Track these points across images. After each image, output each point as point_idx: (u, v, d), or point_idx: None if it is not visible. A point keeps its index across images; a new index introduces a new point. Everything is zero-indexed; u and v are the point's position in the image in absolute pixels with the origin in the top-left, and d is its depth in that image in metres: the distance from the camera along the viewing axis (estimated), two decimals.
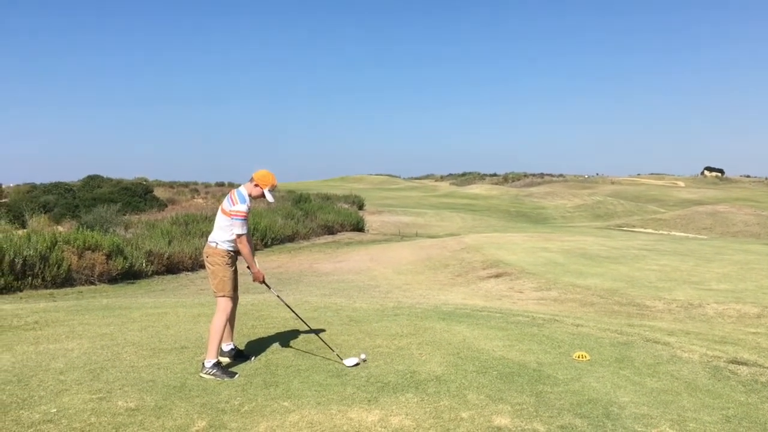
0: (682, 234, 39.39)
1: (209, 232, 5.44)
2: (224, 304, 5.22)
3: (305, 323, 6.13)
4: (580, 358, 5.69)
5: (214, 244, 5.25)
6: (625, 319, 9.18)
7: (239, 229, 5.14)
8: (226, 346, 5.48)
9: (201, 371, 5.03)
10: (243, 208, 5.15)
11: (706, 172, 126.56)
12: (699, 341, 6.93)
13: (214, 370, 4.99)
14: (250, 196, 5.27)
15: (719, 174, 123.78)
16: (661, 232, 40.89)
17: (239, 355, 5.53)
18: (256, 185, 5.29)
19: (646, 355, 5.96)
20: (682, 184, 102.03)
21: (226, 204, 5.25)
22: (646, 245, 21.57)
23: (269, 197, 5.34)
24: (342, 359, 5.41)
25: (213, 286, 5.29)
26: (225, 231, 5.22)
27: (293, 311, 6.02)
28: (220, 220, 5.26)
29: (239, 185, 5.46)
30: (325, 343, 5.81)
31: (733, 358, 6.01)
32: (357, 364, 5.33)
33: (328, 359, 5.52)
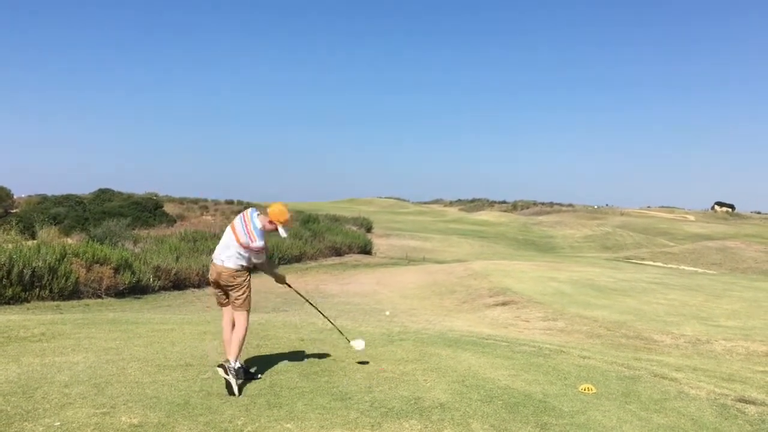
0: (691, 268, 39.16)
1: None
2: (247, 317, 5.45)
3: (318, 310, 6.66)
4: (586, 391, 5.64)
5: (235, 267, 5.36)
6: (632, 352, 9.10)
7: (261, 258, 5.44)
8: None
9: (224, 369, 5.05)
10: (262, 244, 5.36)
11: (717, 207, 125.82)
12: (707, 378, 6.86)
13: (237, 372, 5.12)
14: (263, 229, 5.41)
15: (730, 209, 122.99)
16: (670, 265, 40.66)
17: (245, 374, 5.53)
18: (270, 221, 5.43)
19: (653, 390, 5.90)
20: (692, 218, 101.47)
21: (242, 237, 5.33)
22: (655, 278, 21.46)
23: (282, 233, 5.48)
24: (350, 341, 6.24)
25: (239, 302, 5.41)
26: (244, 260, 5.37)
27: (308, 301, 6.61)
28: (239, 249, 5.35)
29: (248, 203, 5.58)
30: (337, 329, 6.76)
31: (741, 396, 5.95)
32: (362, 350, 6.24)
33: (333, 382, 5.51)
